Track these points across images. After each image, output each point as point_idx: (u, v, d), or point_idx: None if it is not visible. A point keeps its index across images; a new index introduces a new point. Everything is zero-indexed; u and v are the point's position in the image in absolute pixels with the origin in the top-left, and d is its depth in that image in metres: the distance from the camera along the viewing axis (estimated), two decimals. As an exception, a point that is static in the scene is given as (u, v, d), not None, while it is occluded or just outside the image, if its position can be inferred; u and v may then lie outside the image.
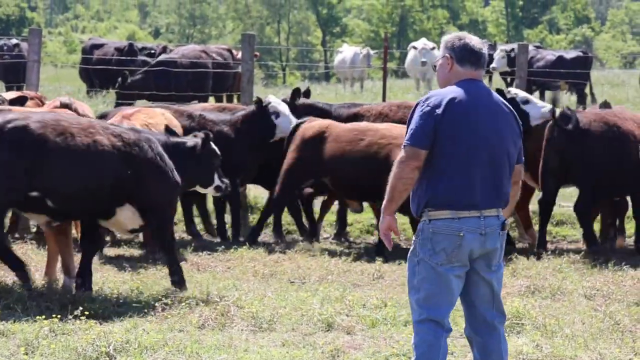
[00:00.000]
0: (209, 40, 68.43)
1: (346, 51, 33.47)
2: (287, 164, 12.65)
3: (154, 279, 10.21)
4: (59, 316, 8.46)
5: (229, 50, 24.36)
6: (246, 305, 9.02)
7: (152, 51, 24.60)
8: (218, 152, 10.74)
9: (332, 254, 12.12)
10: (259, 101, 13.15)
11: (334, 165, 12.40)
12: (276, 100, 13.25)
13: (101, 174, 9.49)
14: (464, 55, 6.37)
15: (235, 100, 23.36)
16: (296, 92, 13.93)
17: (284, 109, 13.11)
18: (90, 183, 9.46)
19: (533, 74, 22.65)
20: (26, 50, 18.06)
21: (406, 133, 6.26)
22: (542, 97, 25.95)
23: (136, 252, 12.07)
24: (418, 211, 6.33)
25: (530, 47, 24.71)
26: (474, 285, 6.37)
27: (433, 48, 31.29)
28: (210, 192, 11.08)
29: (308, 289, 9.95)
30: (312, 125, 12.80)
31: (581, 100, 25.09)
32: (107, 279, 10.05)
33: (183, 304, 9.07)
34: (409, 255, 6.40)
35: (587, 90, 25.52)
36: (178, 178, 9.99)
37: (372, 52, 32.25)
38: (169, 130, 10.74)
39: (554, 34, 74.64)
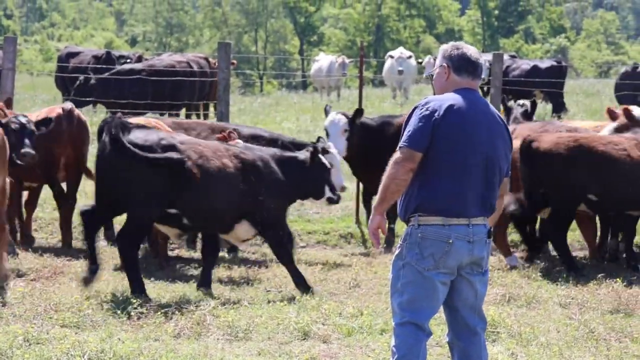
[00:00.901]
0: (186, 49, 68.33)
1: (323, 60, 33.55)
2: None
3: (130, 288, 10.17)
4: (33, 325, 8.42)
5: (206, 59, 24.36)
6: (222, 314, 9.01)
7: (129, 60, 24.54)
8: (328, 165, 11.08)
9: (309, 262, 12.12)
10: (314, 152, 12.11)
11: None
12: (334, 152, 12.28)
13: (227, 195, 10.26)
14: (461, 64, 6.43)
15: (211, 108, 23.36)
16: (358, 112, 13.62)
17: (337, 162, 12.28)
18: (219, 203, 10.24)
19: (508, 84, 22.74)
20: (1, 58, 17.97)
21: (402, 135, 6.30)
22: (517, 106, 26.05)
23: (112, 261, 12.02)
24: (406, 215, 6.36)
25: (506, 57, 24.82)
26: (458, 290, 6.39)
27: (410, 57, 31.38)
28: (322, 204, 11.47)
29: (284, 298, 9.95)
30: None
31: (557, 109, 25.22)
32: (83, 289, 10.00)
33: (159, 313, 9.05)
34: (393, 258, 6.41)
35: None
36: (289, 191, 10.64)
37: (347, 60, 32.31)
38: (283, 146, 11.44)
39: (530, 44, 75.00)
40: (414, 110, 6.36)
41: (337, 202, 11.26)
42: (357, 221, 14.53)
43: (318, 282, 10.95)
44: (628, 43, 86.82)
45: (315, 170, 10.92)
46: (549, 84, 24.67)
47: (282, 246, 10.60)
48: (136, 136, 10.02)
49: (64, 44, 53.42)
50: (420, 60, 33.09)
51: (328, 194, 11.04)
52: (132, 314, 9.01)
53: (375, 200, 6.40)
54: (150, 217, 10.11)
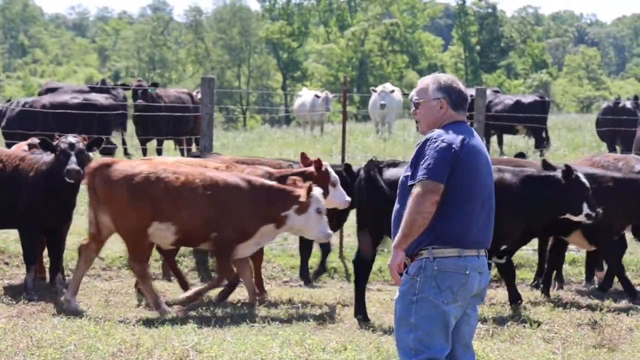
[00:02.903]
0: (169, 84, 68.45)
1: (305, 95, 33.61)
2: None
3: (111, 323, 10.12)
4: (15, 361, 8.36)
5: (189, 94, 24.43)
6: (205, 350, 8.96)
7: (127, 86, 24.72)
8: (587, 184, 11.57)
9: (292, 297, 12.09)
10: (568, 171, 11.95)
11: None
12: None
13: None
14: (459, 101, 6.47)
15: (193, 144, 23.39)
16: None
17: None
18: None
19: (491, 118, 22.83)
20: (-17, 94, 18.00)
21: (419, 168, 6.25)
22: (500, 141, 26.20)
23: (95, 297, 11.97)
24: (417, 248, 6.28)
25: (489, 92, 24.92)
26: (457, 326, 6.34)
27: (392, 91, 31.44)
28: (581, 219, 11.76)
29: (268, 333, 9.91)
30: None
31: (539, 144, 25.32)
32: (65, 325, 9.95)
33: (141, 348, 8.99)
34: (401, 293, 6.30)
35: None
36: (536, 208, 11.47)
37: (330, 95, 32.38)
38: (546, 165, 11.94)
39: (512, 79, 75.43)
40: (425, 143, 6.31)
41: (595, 219, 11.66)
42: (341, 256, 14.52)
43: (302, 317, 10.91)
44: (609, 79, 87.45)
45: (572, 188, 11.50)
46: (531, 118, 24.78)
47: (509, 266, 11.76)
48: (389, 173, 11.19)
49: (46, 80, 53.45)
50: (406, 93, 33.19)
51: (586, 210, 11.54)
52: (115, 350, 8.95)
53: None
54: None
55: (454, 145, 6.24)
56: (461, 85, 6.50)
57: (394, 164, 11.42)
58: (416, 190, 6.20)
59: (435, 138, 6.29)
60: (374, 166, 11.29)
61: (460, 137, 6.30)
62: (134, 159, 12.14)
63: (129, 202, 11.02)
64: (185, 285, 12.06)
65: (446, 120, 6.42)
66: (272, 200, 11.29)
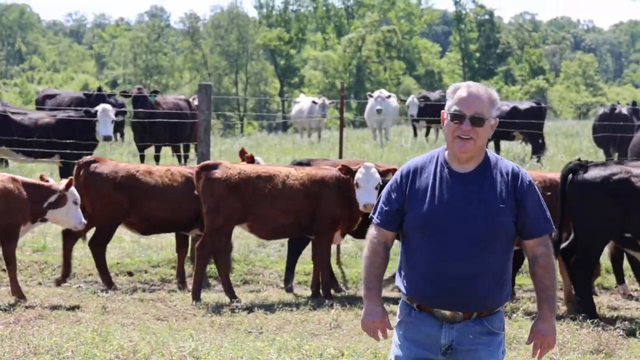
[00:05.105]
0: (166, 91, 68.49)
1: (303, 101, 33.65)
2: None
3: (109, 330, 10.13)
4: (12, 368, 8.37)
5: (187, 101, 24.47)
6: (202, 356, 8.97)
7: (128, 93, 24.68)
8: None
9: (290, 303, 12.10)
10: None
11: None
12: None
13: None
14: None
15: (192, 149, 23.44)
16: None
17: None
18: None
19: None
20: (-20, 101, 17.98)
21: (540, 216, 5.41)
22: (497, 148, 26.23)
23: (92, 303, 11.97)
24: (497, 304, 5.51)
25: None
26: None
27: (389, 97, 31.46)
28: None
29: (265, 339, 9.91)
30: None
31: (536, 150, 25.35)
32: (62, 331, 9.95)
33: (139, 354, 8.99)
34: (492, 354, 5.58)
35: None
36: None
37: (327, 101, 32.41)
38: None
39: (510, 85, 75.55)
40: (530, 183, 5.40)
41: None
42: (338, 262, 14.51)
43: (299, 323, 10.92)
44: (606, 85, 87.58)
45: None
46: (528, 125, 24.81)
47: None
48: (594, 173, 11.46)
49: (43, 87, 53.46)
50: (403, 99, 33.18)
51: None
52: (112, 356, 8.95)
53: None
54: (601, 244, 11.76)
55: None
56: None
57: (602, 164, 11.67)
58: (549, 243, 5.47)
59: (530, 177, 5.41)
60: (578, 166, 11.55)
61: None
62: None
63: None
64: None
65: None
66: None
